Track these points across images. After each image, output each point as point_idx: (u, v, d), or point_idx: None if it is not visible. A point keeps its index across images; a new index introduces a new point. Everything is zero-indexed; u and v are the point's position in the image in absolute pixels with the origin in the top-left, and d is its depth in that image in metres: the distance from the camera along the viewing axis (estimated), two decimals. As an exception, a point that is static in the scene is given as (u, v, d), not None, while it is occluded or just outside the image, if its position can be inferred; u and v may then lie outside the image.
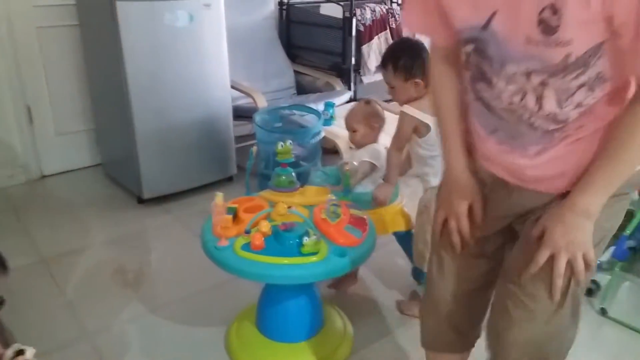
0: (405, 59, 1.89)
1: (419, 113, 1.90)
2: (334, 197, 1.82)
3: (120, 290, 2.20)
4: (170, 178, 2.90)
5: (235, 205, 1.75)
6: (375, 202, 1.94)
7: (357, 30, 3.34)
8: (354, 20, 3.31)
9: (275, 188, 1.88)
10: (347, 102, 3.34)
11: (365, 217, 1.76)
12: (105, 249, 2.51)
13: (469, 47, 1.01)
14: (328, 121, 3.01)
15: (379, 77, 3.60)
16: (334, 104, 3.10)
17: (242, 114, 3.16)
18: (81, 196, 3.05)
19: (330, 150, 2.99)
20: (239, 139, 3.22)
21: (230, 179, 3.17)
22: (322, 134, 2.82)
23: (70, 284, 2.23)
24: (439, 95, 1.18)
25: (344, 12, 3.34)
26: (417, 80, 1.89)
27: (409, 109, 1.90)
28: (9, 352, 1.08)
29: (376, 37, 3.41)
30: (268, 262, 1.52)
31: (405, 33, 3.29)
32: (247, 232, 1.60)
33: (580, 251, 0.99)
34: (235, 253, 1.56)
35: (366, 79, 3.52)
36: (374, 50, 3.42)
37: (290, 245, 1.56)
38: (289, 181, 1.88)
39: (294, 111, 3.01)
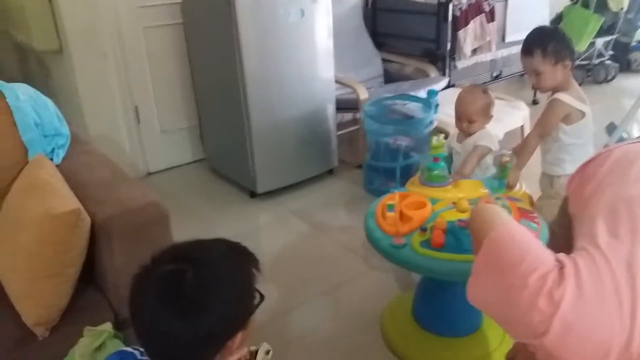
0: (554, 42, 1.89)
1: (575, 101, 1.89)
2: (488, 190, 1.83)
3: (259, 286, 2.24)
4: (280, 172, 2.93)
5: (393, 202, 1.76)
6: (507, 188, 1.89)
7: (453, 16, 3.29)
8: (451, 6, 3.25)
9: (428, 183, 1.88)
10: (445, 88, 3.31)
11: (529, 208, 1.75)
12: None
13: None
14: (435, 109, 2.98)
15: (472, 61, 3.56)
16: (437, 91, 3.07)
17: (341, 105, 3.16)
18: (191, 192, 3.12)
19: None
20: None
21: (331, 172, 3.19)
22: (435, 124, 2.80)
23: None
24: None
25: (439, -3, 3.29)
26: (567, 62, 1.90)
27: (565, 97, 1.89)
28: (261, 351, 1.10)
29: (472, 22, 3.35)
30: (454, 260, 1.52)
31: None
32: (424, 229, 1.61)
33: None
34: (415, 251, 1.57)
35: (460, 64, 3.47)
36: (470, 34, 3.37)
37: (469, 242, 1.56)
38: (442, 175, 1.88)
39: (400, 101, 3.00)
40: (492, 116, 2.06)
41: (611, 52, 4.67)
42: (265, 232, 2.70)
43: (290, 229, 2.67)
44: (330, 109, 3.03)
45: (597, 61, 4.60)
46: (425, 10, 3.45)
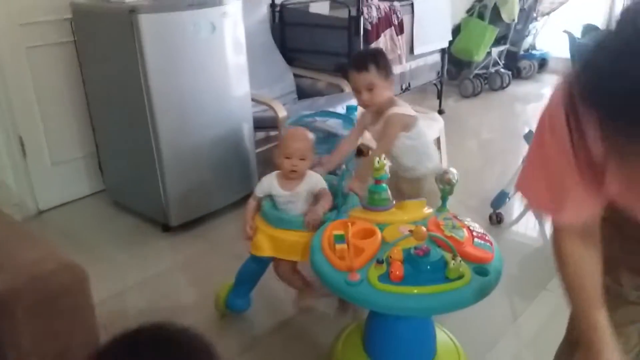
0: (383, 59, 2.00)
1: (407, 109, 2.00)
2: (431, 210, 1.75)
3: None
4: (196, 200, 2.68)
5: (342, 232, 1.62)
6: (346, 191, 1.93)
7: (364, 29, 3.24)
8: (362, 19, 3.20)
9: (371, 207, 1.76)
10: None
11: (477, 225, 1.69)
12: (147, 288, 2.27)
13: None
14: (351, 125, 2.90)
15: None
16: (356, 106, 2.99)
17: (259, 124, 2.98)
18: (92, 230, 2.76)
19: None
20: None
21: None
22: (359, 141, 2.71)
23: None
24: (578, 284, 1.00)
25: (349, 11, 3.23)
26: (392, 77, 2.01)
27: (399, 109, 1.96)
28: None
29: (382, 35, 3.32)
30: (415, 293, 1.40)
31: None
32: (380, 261, 1.48)
33: None
34: (374, 287, 1.42)
35: (373, 78, 3.43)
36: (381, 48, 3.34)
37: (430, 271, 1.46)
38: (384, 198, 1.77)
39: (320, 118, 2.87)
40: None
41: (503, 61, 4.93)
42: (184, 271, 2.42)
43: (213, 265, 2.42)
44: (247, 128, 2.84)
45: (493, 70, 4.83)
46: (336, 24, 3.37)
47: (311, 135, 1.93)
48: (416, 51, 3.74)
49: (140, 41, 2.26)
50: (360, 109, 2.22)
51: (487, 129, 4.31)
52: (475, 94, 4.71)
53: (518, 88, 5.02)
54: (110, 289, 2.22)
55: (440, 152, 3.25)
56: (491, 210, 2.67)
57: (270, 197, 1.93)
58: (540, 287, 2.18)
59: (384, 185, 1.76)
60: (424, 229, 1.46)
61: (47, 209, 2.91)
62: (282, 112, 2.90)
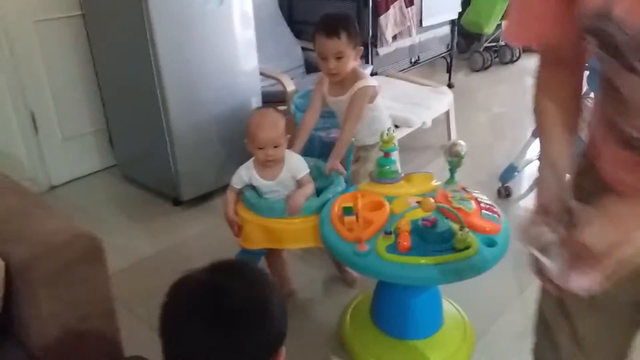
0: (353, 26, 1.91)
1: (373, 81, 1.97)
2: (440, 183, 1.76)
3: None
4: (206, 175, 2.70)
5: (351, 204, 1.64)
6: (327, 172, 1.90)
7: (373, 1, 3.20)
8: (371, -10, 3.17)
9: (380, 179, 1.77)
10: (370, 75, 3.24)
11: (485, 197, 1.70)
12: (159, 261, 2.31)
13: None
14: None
15: (393, 47, 3.50)
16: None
17: (267, 99, 2.97)
18: (104, 204, 2.80)
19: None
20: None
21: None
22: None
23: (140, 305, 2.03)
24: (542, 106, 0.93)
25: (358, -18, 3.19)
26: (360, 47, 1.95)
27: (366, 82, 1.92)
28: None
29: (392, 7, 3.28)
30: (422, 264, 1.43)
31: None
32: (388, 232, 1.50)
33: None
34: (382, 257, 1.45)
35: (382, 51, 3.40)
36: (390, 20, 3.30)
37: (439, 241, 1.47)
38: (393, 171, 1.78)
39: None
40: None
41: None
42: (195, 244, 2.46)
43: (224, 239, 2.41)
44: (256, 102, 2.84)
45: (503, 43, 4.77)
46: (345, -5, 3.33)
47: (280, 117, 1.79)
48: (425, 23, 3.69)
49: (148, 14, 2.25)
50: (317, 76, 2.13)
51: (497, 103, 4.27)
52: (485, 68, 4.67)
53: (528, 61, 4.95)
54: (123, 262, 2.26)
55: (449, 126, 3.25)
56: (499, 184, 2.67)
57: (250, 185, 1.84)
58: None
59: (392, 157, 1.78)
60: (431, 200, 1.47)
61: (60, 184, 2.95)
62: (290, 86, 2.90)
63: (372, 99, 1.97)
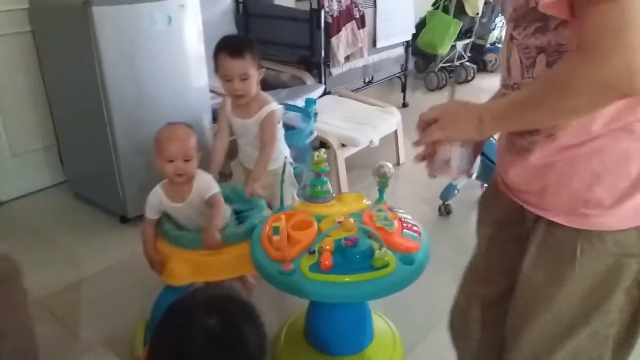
0: (254, 46, 1.92)
1: (275, 102, 2.01)
2: (372, 203, 1.83)
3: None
4: (155, 192, 2.72)
5: (279, 224, 1.69)
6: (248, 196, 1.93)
7: (325, 22, 3.29)
8: (322, 12, 3.25)
9: (312, 199, 1.83)
10: (321, 95, 3.31)
11: (409, 217, 1.77)
12: (103, 279, 2.31)
13: None
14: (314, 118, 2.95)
15: (346, 68, 3.59)
16: (314, 100, 3.04)
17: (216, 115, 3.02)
18: (52, 221, 2.79)
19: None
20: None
21: (212, 186, 3.05)
22: (315, 133, 2.78)
23: (82, 323, 2.04)
24: None
25: (310, 4, 3.27)
26: (264, 69, 1.98)
27: (276, 105, 1.99)
28: None
29: (344, 28, 3.37)
30: (343, 282, 1.48)
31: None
32: (312, 252, 1.55)
33: (453, 139, 1.00)
34: (305, 276, 1.50)
35: (335, 71, 3.49)
36: (342, 41, 3.39)
37: (359, 260, 1.53)
38: (326, 191, 1.84)
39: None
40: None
41: (469, 54, 5.02)
42: (141, 260, 2.46)
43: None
44: (207, 119, 2.88)
45: (458, 63, 4.93)
46: (298, 16, 3.42)
47: (192, 131, 1.75)
48: (379, 44, 3.80)
49: (94, 34, 2.28)
50: (223, 100, 2.10)
51: (451, 121, 4.38)
52: (440, 87, 4.80)
53: (483, 81, 5.12)
54: (67, 279, 2.27)
55: (397, 145, 3.34)
56: (440, 202, 2.76)
57: (166, 214, 1.78)
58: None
59: (324, 178, 1.84)
60: (351, 220, 1.54)
61: (9, 199, 2.93)
62: (241, 105, 2.94)
63: (279, 121, 2.03)
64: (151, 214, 1.77)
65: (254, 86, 1.92)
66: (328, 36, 3.33)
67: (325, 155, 1.84)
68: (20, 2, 2.65)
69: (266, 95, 2.02)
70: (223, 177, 2.18)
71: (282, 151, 2.09)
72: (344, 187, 2.93)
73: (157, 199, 1.77)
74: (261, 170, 1.95)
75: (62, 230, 2.69)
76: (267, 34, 3.64)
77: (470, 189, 2.86)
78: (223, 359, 0.95)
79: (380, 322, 1.94)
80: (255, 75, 1.91)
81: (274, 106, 1.96)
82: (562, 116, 0.88)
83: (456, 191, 2.73)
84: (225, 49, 1.88)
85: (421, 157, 1.10)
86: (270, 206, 2.01)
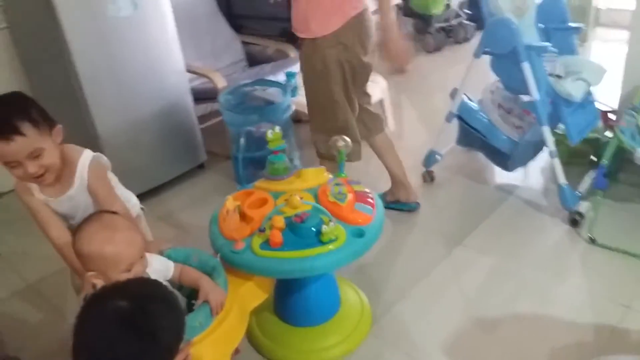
0: (32, 105, 1.43)
1: (87, 150, 1.59)
2: (332, 177, 1.83)
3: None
4: (140, 176, 2.75)
5: (238, 203, 1.71)
6: None
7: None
8: (301, -18, 3.18)
9: (271, 177, 1.84)
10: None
11: (367, 189, 1.77)
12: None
13: None
14: (293, 92, 2.94)
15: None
16: (295, 73, 3.02)
17: (200, 96, 3.04)
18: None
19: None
20: (200, 120, 3.10)
21: (201, 167, 3.09)
22: (293, 108, 2.77)
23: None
24: None
25: (287, -26, 3.21)
26: (58, 125, 1.49)
27: (87, 153, 1.58)
28: None
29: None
30: (292, 257, 1.51)
31: None
32: (262, 230, 1.57)
33: None
34: (255, 254, 1.53)
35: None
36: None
37: (308, 235, 1.55)
38: (284, 167, 1.85)
39: (259, 87, 2.92)
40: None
41: (468, 12, 4.85)
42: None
43: (159, 237, 2.53)
44: (188, 100, 2.90)
45: (455, 22, 4.77)
46: (276, -13, 3.37)
47: (132, 228, 1.35)
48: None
49: (59, 25, 2.30)
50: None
51: (451, 84, 4.27)
52: (438, 49, 4.67)
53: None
54: (59, 263, 2.36)
55: (385, 113, 3.29)
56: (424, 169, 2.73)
57: None
58: (457, 243, 2.27)
59: (281, 155, 1.84)
60: (297, 197, 1.55)
61: (8, 191, 3.03)
62: (221, 83, 2.96)
63: (108, 167, 1.65)
64: None
65: (53, 158, 1.44)
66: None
67: (281, 132, 1.84)
68: (-5, -2, 2.69)
69: (72, 147, 1.57)
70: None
71: (130, 198, 1.78)
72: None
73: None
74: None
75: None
76: (249, 9, 3.60)
77: (452, 155, 2.82)
78: (133, 340, 0.97)
79: (350, 292, 1.97)
80: (51, 142, 1.43)
81: (88, 154, 1.55)
82: None
83: (438, 157, 2.69)
84: None
85: None
86: None
